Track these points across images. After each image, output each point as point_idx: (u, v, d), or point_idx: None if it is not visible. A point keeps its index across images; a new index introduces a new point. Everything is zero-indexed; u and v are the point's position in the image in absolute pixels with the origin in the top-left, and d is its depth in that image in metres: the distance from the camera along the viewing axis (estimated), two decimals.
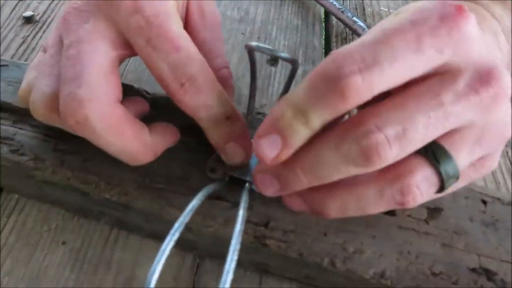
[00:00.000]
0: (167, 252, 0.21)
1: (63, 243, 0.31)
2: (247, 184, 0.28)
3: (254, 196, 0.28)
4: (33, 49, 0.44)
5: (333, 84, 0.20)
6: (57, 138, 0.30)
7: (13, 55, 0.43)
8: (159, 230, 0.30)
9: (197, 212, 0.27)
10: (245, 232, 0.27)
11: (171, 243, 0.22)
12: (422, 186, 0.22)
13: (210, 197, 0.28)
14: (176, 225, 0.23)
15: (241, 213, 0.24)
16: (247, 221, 0.27)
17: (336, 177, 0.23)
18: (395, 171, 0.23)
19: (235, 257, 0.22)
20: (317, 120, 0.21)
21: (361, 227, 0.28)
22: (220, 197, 0.28)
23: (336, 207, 0.24)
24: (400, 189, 0.22)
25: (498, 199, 0.31)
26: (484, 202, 0.31)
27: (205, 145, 0.31)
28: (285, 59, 0.26)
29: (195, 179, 0.29)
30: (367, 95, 0.20)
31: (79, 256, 0.30)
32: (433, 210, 0.30)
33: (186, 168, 0.30)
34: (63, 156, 0.29)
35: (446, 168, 0.23)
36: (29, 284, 0.29)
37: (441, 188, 0.23)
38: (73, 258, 0.30)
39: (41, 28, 0.47)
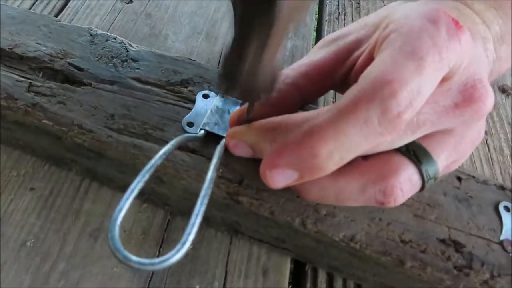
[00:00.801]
0: (135, 192, 0.21)
1: (31, 189, 0.30)
2: (223, 140, 0.28)
3: (230, 153, 0.28)
4: None
5: (389, 117, 0.19)
6: (32, 79, 0.29)
7: None
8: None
9: (171, 164, 0.27)
10: (217, 187, 0.27)
11: (141, 184, 0.21)
12: (405, 187, 0.22)
13: (184, 150, 0.28)
14: (147, 166, 0.22)
15: (215, 160, 0.24)
16: (221, 177, 0.27)
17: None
18: (380, 170, 0.22)
19: (205, 201, 0.21)
20: (354, 156, 0.20)
21: None
22: (195, 151, 0.28)
23: (315, 193, 0.24)
24: (383, 190, 0.22)
25: (473, 177, 0.31)
26: (459, 179, 0.31)
27: (183, 101, 0.30)
28: None
29: (171, 131, 0.28)
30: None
31: (47, 203, 0.30)
32: None
33: (163, 121, 0.29)
34: (37, 97, 0.28)
35: (427, 169, 0.23)
36: None
37: (421, 190, 0.24)
38: (40, 205, 0.29)
39: None
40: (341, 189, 0.23)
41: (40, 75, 0.29)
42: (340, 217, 0.27)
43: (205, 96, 0.30)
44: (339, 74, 0.26)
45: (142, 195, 0.30)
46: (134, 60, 0.32)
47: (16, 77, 0.29)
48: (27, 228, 0.28)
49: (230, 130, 0.27)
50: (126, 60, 0.32)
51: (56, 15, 0.42)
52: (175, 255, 0.18)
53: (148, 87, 0.31)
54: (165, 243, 0.30)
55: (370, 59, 0.22)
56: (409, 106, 0.19)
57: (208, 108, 0.30)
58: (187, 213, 0.30)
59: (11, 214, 0.29)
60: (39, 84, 0.29)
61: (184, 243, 0.19)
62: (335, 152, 0.19)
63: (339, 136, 0.19)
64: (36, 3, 0.42)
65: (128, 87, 0.30)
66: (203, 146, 0.28)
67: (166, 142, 0.27)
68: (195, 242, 0.30)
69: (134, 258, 0.18)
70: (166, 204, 0.30)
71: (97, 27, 0.41)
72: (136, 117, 0.29)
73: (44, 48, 0.31)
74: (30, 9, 0.42)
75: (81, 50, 0.31)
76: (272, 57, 0.19)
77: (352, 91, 0.20)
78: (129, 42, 0.33)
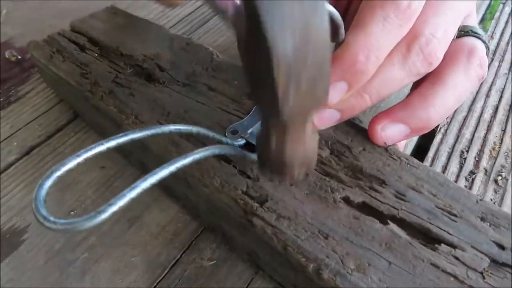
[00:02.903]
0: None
1: (102, 167, 0.33)
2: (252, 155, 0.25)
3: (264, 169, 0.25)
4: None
5: (402, 9, 0.22)
6: (120, 72, 0.32)
7: None
8: (171, 182, 0.29)
9: (198, 166, 0.25)
10: (236, 202, 0.23)
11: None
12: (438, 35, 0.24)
13: (217, 157, 0.26)
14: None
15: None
16: (244, 193, 0.24)
17: (398, 89, 0.24)
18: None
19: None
20: (385, 53, 0.23)
21: (378, 247, 0.21)
22: (228, 159, 0.26)
23: (371, 96, 0.25)
24: (419, 44, 0.23)
25: None
26: None
27: (242, 111, 0.29)
28: None
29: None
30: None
31: (107, 182, 0.32)
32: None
33: (212, 126, 0.28)
34: (115, 87, 0.31)
35: None
36: (56, 190, 0.31)
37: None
38: (101, 182, 0.32)
39: None
40: (386, 75, 0.24)
41: (129, 70, 0.32)
42: (374, 279, 0.20)
43: None
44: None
45: (178, 200, 0.29)
46: (214, 69, 0.32)
47: (110, 69, 0.32)
48: (81, 198, 0.31)
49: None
50: (207, 68, 0.32)
51: (192, 33, 0.47)
52: (87, 222, 0.16)
53: (214, 93, 0.30)
54: (189, 250, 0.28)
55: None
56: None
57: (260, 120, 0.27)
58: (215, 230, 0.28)
59: (76, 184, 0.32)
60: (123, 76, 0.31)
61: (100, 212, 0.16)
62: (371, 53, 0.22)
63: (368, 39, 0.22)
64: (179, 22, 0.48)
65: (196, 91, 0.30)
66: (239, 159, 0.25)
67: (204, 145, 0.26)
68: (218, 259, 0.27)
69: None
70: (197, 215, 0.28)
71: (218, 45, 0.44)
72: (189, 118, 0.28)
73: (142, 50, 0.34)
74: (175, 24, 0.48)
75: (172, 54, 0.33)
76: (296, 143, 0.21)
77: (365, 4, 0.23)
78: (218, 53, 0.34)
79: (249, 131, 0.26)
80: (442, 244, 0.21)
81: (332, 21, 0.23)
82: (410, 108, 0.24)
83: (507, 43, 0.43)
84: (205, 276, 0.26)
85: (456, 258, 0.21)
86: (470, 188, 0.30)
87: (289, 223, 0.22)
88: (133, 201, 0.30)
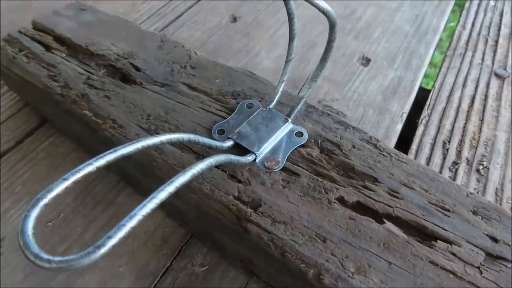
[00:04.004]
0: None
1: None
2: (250, 157, 0.24)
3: (257, 172, 0.24)
4: None
5: None
6: (92, 73, 0.30)
7: None
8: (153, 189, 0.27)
9: None
10: (228, 208, 0.22)
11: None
12: None
13: None
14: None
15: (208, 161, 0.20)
16: (236, 198, 0.23)
17: None
18: None
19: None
20: None
21: (376, 248, 0.21)
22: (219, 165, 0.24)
23: None
24: None
25: None
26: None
27: (226, 111, 0.28)
28: (319, 9, 0.21)
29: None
30: None
31: (87, 188, 0.30)
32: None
33: (196, 127, 0.26)
34: (88, 89, 0.29)
35: None
36: (35, 183, 0.30)
37: None
38: (81, 188, 0.30)
39: None
40: None
41: (101, 71, 0.30)
42: (375, 281, 0.20)
43: (249, 106, 0.27)
44: None
45: (164, 208, 0.28)
46: (193, 67, 0.31)
47: (80, 70, 0.30)
48: (60, 207, 0.29)
49: None
50: (185, 66, 0.31)
51: (166, 26, 0.45)
52: (85, 259, 0.15)
53: (196, 93, 0.29)
54: (179, 256, 0.27)
55: None
56: None
57: (246, 119, 0.26)
58: (204, 237, 0.27)
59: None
60: (96, 78, 0.30)
61: (98, 247, 0.15)
62: None
63: None
64: (152, 16, 0.46)
65: (176, 91, 0.29)
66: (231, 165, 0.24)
67: (190, 148, 0.25)
68: (210, 263, 0.26)
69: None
70: (185, 222, 0.27)
71: (195, 40, 0.43)
72: (171, 120, 0.27)
73: (114, 48, 0.32)
74: (148, 18, 0.46)
75: (147, 53, 0.32)
76: None
77: None
78: (195, 51, 0.32)
79: (236, 130, 0.25)
80: (439, 241, 0.21)
81: (328, 18, 0.22)
82: None
83: (478, 33, 0.44)
84: (198, 283, 0.26)
85: (453, 254, 0.21)
86: (454, 178, 0.31)
87: (285, 228, 0.22)
88: (120, 206, 0.29)
